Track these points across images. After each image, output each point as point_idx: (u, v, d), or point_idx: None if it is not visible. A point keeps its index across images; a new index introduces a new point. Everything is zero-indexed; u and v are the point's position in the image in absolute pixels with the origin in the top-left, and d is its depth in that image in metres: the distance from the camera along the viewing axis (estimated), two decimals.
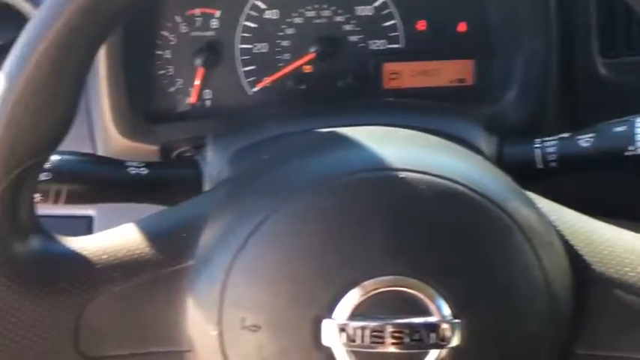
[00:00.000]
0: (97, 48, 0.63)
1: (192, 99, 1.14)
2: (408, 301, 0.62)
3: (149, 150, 1.09)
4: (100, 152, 1.11)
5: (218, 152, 0.94)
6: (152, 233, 0.69)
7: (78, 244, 0.67)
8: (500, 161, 0.94)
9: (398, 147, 0.70)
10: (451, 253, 0.64)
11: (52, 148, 0.65)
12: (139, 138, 1.08)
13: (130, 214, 0.76)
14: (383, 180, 0.64)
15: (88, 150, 1.10)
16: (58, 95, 0.61)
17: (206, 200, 0.74)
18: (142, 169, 0.90)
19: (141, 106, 1.09)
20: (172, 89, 1.14)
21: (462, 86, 1.17)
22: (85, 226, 1.13)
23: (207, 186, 0.93)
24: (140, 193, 0.91)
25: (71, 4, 0.57)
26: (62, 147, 0.68)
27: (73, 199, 0.87)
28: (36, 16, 0.59)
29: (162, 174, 0.92)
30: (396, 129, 0.77)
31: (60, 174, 0.85)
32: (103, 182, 0.89)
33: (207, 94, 1.15)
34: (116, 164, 0.91)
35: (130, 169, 0.89)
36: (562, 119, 1.11)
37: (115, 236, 0.69)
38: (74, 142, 1.08)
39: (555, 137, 0.93)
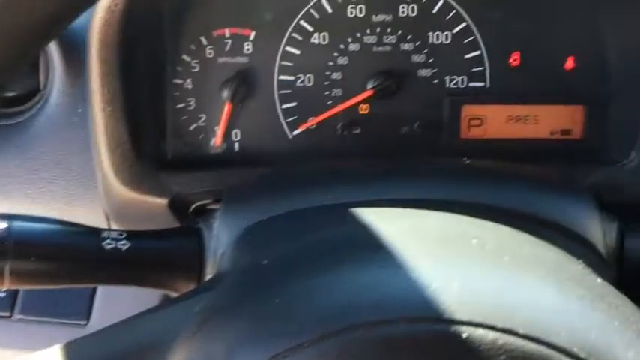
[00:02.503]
0: None
1: (216, 141, 0.91)
2: None
3: (158, 204, 0.86)
4: (102, 205, 0.89)
5: (226, 223, 0.69)
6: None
7: None
8: (620, 261, 0.65)
9: (468, 274, 0.43)
10: None
11: None
12: (144, 189, 0.85)
13: None
14: (436, 340, 0.38)
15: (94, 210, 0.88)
16: None
17: (181, 316, 0.50)
18: (121, 242, 0.66)
19: (149, 148, 0.86)
20: (192, 128, 0.91)
21: (568, 140, 0.89)
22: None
23: (209, 268, 0.69)
24: (118, 274, 0.68)
25: None
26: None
27: (22, 279, 0.64)
28: None
29: (148, 247, 0.69)
30: (471, 229, 0.51)
31: (3, 246, 0.63)
32: (66, 259, 0.66)
33: (236, 135, 0.91)
34: (87, 234, 0.67)
35: (106, 242, 0.66)
36: None
37: None
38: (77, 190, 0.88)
39: None
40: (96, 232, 0.68)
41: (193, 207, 0.88)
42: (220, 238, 0.69)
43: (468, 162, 0.73)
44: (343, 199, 0.64)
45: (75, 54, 0.89)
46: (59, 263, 0.66)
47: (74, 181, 0.93)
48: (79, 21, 0.88)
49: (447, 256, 0.46)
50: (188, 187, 0.87)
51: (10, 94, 0.96)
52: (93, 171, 0.88)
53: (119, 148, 0.83)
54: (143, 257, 0.68)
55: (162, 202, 0.86)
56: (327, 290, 0.44)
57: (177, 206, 0.86)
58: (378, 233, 0.50)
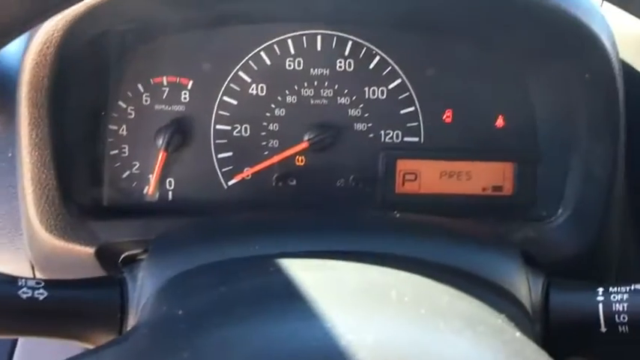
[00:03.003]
0: None
1: (150, 189, 0.89)
2: None
3: (85, 253, 0.83)
4: (27, 254, 0.86)
5: (152, 273, 0.68)
6: None
7: None
8: (545, 317, 0.66)
9: (383, 327, 0.43)
10: None
11: None
12: (71, 237, 0.83)
13: None
14: None
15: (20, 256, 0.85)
16: None
17: None
18: (39, 290, 0.64)
19: (79, 195, 0.84)
20: (125, 175, 0.89)
21: (499, 196, 0.90)
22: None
23: (131, 320, 0.67)
24: (35, 324, 0.65)
25: None
26: None
27: None
28: None
29: (67, 297, 0.66)
30: (392, 281, 0.50)
31: None
32: None
33: (170, 184, 0.90)
34: (2, 282, 0.65)
35: (22, 290, 0.63)
36: (631, 257, 0.83)
37: None
38: None
39: (626, 287, 0.65)
40: (12, 280, 0.65)
41: (122, 257, 0.86)
42: (145, 288, 0.67)
43: (398, 215, 0.73)
44: (269, 251, 0.63)
45: (6, 96, 0.87)
46: None
47: (3, 237, 0.90)
48: (12, 62, 0.87)
49: (364, 308, 0.46)
50: (118, 236, 0.85)
51: None
52: (19, 219, 0.85)
53: (46, 195, 0.81)
54: (62, 307, 0.66)
55: (90, 250, 0.83)
56: (240, 342, 0.43)
57: (104, 255, 0.84)
58: (296, 284, 0.49)
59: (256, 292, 0.51)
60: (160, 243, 0.72)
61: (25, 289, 0.64)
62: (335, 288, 0.48)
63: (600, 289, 0.66)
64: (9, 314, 0.64)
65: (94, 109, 0.87)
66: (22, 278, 0.66)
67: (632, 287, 0.65)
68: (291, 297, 0.47)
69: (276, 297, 0.49)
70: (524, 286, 0.67)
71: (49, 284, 0.66)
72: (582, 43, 0.76)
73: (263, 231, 0.69)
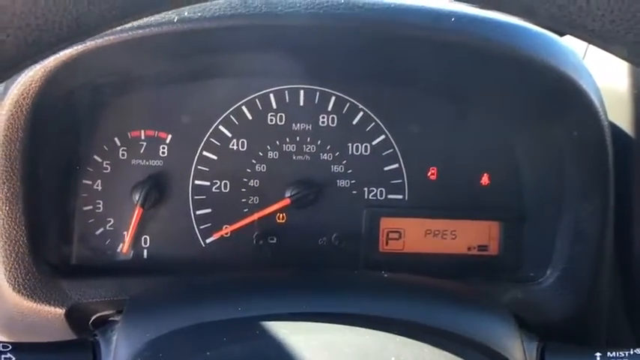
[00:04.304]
0: None
1: (124, 247, 0.85)
2: None
3: (52, 313, 0.79)
4: None
5: (127, 336, 0.63)
6: None
7: None
8: None
9: None
10: None
11: None
12: (41, 297, 0.78)
13: None
14: None
15: None
16: None
17: None
18: (6, 355, 0.59)
19: (49, 253, 0.80)
20: (99, 232, 0.86)
21: (485, 256, 0.88)
22: None
23: None
24: None
25: None
26: None
27: None
28: None
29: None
30: (390, 346, 0.47)
31: None
32: None
33: (145, 241, 0.86)
34: None
35: None
36: (623, 318, 0.81)
37: None
38: None
39: (624, 352, 0.63)
40: None
41: (93, 318, 0.81)
42: (119, 352, 0.63)
43: (386, 275, 0.71)
44: (254, 312, 0.60)
45: None
46: None
47: None
48: None
49: None
50: (89, 296, 0.81)
51: None
52: None
53: (16, 251, 0.77)
54: None
55: (59, 311, 0.79)
56: None
57: (75, 317, 0.80)
58: (289, 350, 0.46)
59: (248, 357, 0.48)
60: (135, 304, 0.68)
61: None
62: (331, 354, 0.45)
63: (598, 355, 0.63)
64: None
65: (68, 163, 0.84)
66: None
67: (632, 351, 0.62)
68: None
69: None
70: (520, 351, 0.64)
71: (16, 347, 0.61)
72: (570, 101, 0.75)
73: (244, 292, 0.66)
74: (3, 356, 0.61)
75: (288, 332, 0.50)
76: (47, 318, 0.79)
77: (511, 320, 0.66)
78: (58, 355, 0.64)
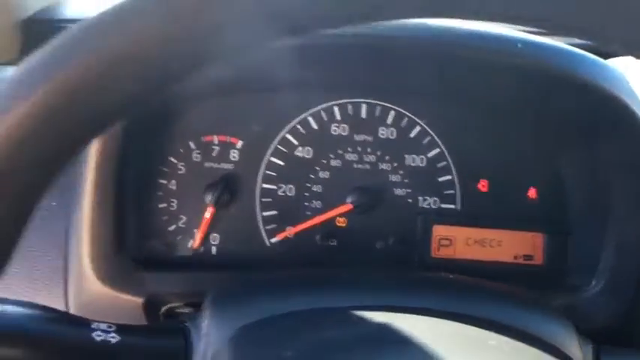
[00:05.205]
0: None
1: (195, 243, 0.92)
2: None
3: (131, 302, 0.85)
4: (71, 301, 0.87)
5: (218, 323, 0.69)
6: None
7: None
8: None
9: None
10: None
11: None
12: (121, 287, 0.84)
13: None
14: None
15: (54, 299, 0.86)
16: None
17: None
18: (111, 334, 0.65)
19: (129, 246, 0.86)
20: (172, 228, 0.92)
21: (530, 265, 0.94)
22: None
23: None
24: None
25: None
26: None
27: None
28: None
29: (137, 343, 0.67)
30: (480, 335, 0.53)
31: None
32: (53, 349, 0.64)
33: (215, 239, 0.92)
34: (77, 324, 0.66)
35: (95, 333, 0.65)
36: None
37: None
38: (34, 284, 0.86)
39: None
40: (84, 322, 0.67)
41: (164, 309, 0.87)
42: (211, 337, 0.68)
43: (451, 276, 0.77)
44: (347, 303, 0.65)
45: None
46: (47, 354, 0.64)
47: (39, 280, 0.90)
48: None
49: (478, 355, 0.48)
50: (162, 288, 0.87)
51: None
52: (57, 268, 0.87)
53: (100, 247, 0.83)
54: (131, 352, 0.67)
55: (137, 300, 0.85)
56: None
57: (149, 306, 0.86)
58: (396, 332, 0.51)
59: (359, 340, 0.54)
60: (222, 293, 0.74)
61: (98, 332, 0.66)
62: (435, 335, 0.51)
63: None
64: (82, 356, 0.65)
65: (148, 165, 0.90)
66: (93, 321, 0.67)
67: None
68: (399, 343, 0.50)
69: (386, 342, 0.51)
70: (579, 353, 0.69)
71: (119, 328, 0.67)
72: (620, 123, 0.82)
73: (331, 285, 0.72)
74: (109, 335, 0.66)
75: (387, 318, 0.55)
76: (124, 307, 0.85)
77: (569, 323, 0.71)
78: (154, 338, 0.69)
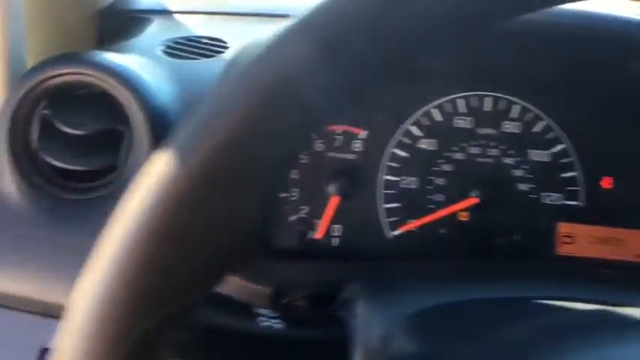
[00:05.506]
0: None
1: (318, 233, 0.90)
2: None
3: (257, 292, 0.83)
4: None
5: (377, 314, 0.68)
6: None
7: None
8: None
9: None
10: None
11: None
12: (249, 275, 0.83)
13: None
14: None
15: None
16: None
17: None
18: (275, 320, 0.64)
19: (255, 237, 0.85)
20: (293, 218, 0.90)
21: None
22: None
23: (359, 357, 0.67)
24: (270, 354, 0.65)
25: None
26: None
27: (175, 352, 0.61)
28: None
29: (300, 332, 0.66)
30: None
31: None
32: (219, 332, 0.63)
33: (336, 230, 0.91)
34: (241, 310, 0.65)
35: (259, 318, 0.64)
36: None
37: None
38: None
39: None
40: (247, 307, 0.66)
41: (284, 300, 0.86)
42: (374, 326, 0.67)
43: (605, 271, 0.75)
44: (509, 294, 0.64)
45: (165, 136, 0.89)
46: (214, 337, 0.63)
47: None
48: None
49: None
50: (285, 277, 0.85)
51: (84, 168, 0.94)
52: None
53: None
54: (295, 339, 0.66)
55: (265, 290, 0.84)
56: None
57: (276, 297, 0.84)
58: (598, 316, 0.50)
59: (547, 331, 0.52)
60: (379, 283, 0.73)
61: (263, 318, 0.65)
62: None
63: None
64: (248, 341, 0.64)
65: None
66: (257, 307, 0.66)
67: None
68: (616, 325, 0.48)
69: (609, 324, 0.50)
70: None
71: (282, 315, 0.66)
72: None
73: (484, 277, 0.70)
74: (273, 321, 0.65)
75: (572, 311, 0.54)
76: (251, 296, 0.84)
77: None
78: (318, 326, 0.68)
